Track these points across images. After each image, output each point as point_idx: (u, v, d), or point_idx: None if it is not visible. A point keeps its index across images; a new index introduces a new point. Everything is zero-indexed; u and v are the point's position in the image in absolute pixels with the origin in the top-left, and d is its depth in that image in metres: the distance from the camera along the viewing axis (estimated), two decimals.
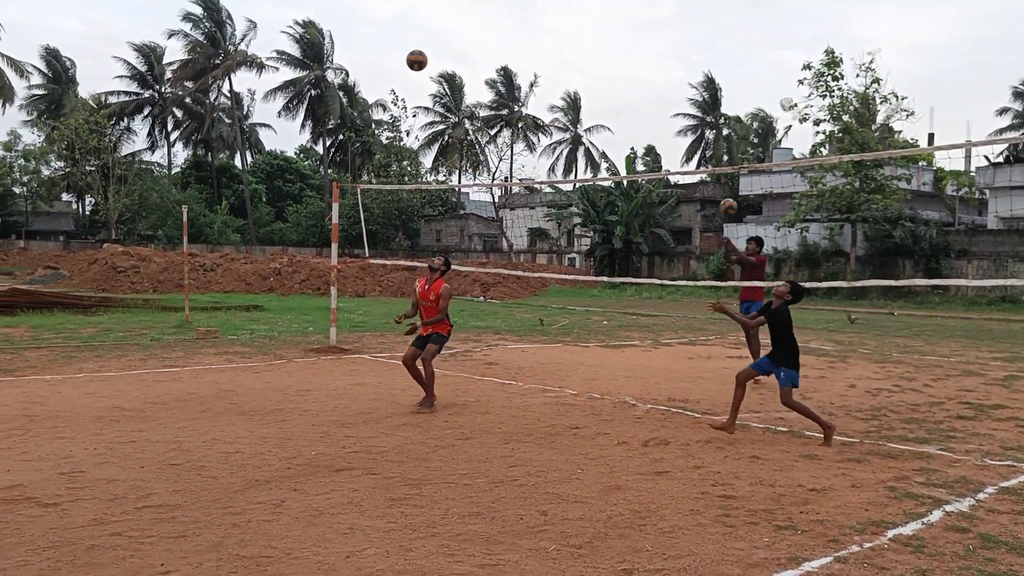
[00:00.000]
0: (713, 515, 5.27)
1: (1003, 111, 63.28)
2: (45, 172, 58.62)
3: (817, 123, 37.93)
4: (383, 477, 6.00)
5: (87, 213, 68.13)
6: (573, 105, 73.95)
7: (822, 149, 40.18)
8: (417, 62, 12.55)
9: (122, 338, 14.29)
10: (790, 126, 75.14)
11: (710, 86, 71.42)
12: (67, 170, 58.58)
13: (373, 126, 70.74)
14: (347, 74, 71.12)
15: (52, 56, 66.70)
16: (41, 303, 18.73)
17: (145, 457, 6.37)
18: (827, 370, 12.66)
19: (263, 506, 5.25)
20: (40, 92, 65.86)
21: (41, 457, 6.28)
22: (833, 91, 37.09)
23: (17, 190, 58.07)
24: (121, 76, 66.61)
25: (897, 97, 37.16)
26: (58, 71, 66.62)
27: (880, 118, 38.46)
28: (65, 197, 66.76)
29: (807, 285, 14.31)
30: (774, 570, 4.34)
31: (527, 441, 7.28)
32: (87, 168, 57.02)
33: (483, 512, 5.24)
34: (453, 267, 10.66)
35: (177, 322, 16.99)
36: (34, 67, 65.22)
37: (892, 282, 11.82)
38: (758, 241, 11.59)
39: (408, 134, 68.70)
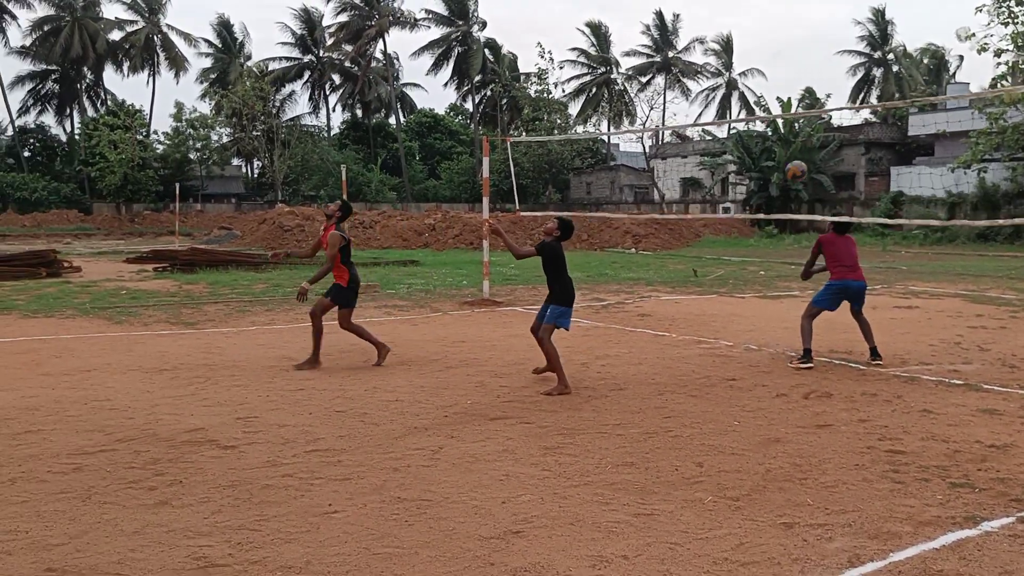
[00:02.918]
0: (880, 470, 5.03)
1: None
2: (214, 138, 62.21)
3: (998, 54, 34.80)
4: (537, 426, 6.07)
5: (255, 176, 71.93)
6: (726, 47, 71.12)
7: (1003, 82, 36.90)
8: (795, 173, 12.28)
9: (290, 293, 15.03)
10: (962, 57, 68.83)
11: (879, 19, 66.39)
12: (235, 136, 61.95)
13: (520, 80, 70.68)
14: (489, 28, 71.25)
15: (223, 26, 70.11)
16: (217, 261, 20.03)
17: (312, 404, 6.72)
18: (1009, 320, 11.78)
19: (422, 452, 5.42)
20: (209, 64, 69.61)
21: (220, 403, 6.75)
22: (1017, 17, 33.88)
23: (193, 156, 61.90)
24: (283, 43, 69.60)
25: None
26: (227, 41, 70.03)
27: None
28: (235, 162, 70.71)
29: (981, 223, 13.03)
30: (949, 529, 4.09)
31: (681, 392, 7.18)
32: (253, 133, 60.10)
33: (637, 462, 5.21)
34: (603, 216, 10.50)
35: None
36: (205, 40, 69.03)
37: None
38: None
39: (556, 86, 68.18)
